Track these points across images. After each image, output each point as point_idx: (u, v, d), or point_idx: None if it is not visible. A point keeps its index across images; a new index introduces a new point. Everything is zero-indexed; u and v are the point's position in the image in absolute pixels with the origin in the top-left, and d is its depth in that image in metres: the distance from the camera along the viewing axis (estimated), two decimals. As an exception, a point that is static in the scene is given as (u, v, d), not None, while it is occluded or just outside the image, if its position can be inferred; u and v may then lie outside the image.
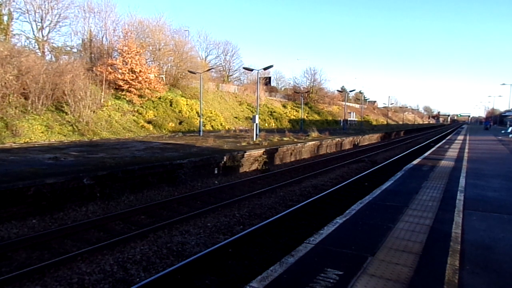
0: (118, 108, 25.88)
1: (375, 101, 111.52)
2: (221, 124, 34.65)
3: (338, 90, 64.20)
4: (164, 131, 26.56)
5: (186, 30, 44.03)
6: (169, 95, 32.06)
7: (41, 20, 26.75)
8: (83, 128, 20.69)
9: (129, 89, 27.41)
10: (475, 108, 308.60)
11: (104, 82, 25.53)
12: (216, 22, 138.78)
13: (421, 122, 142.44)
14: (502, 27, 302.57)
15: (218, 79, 50.73)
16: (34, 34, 26.72)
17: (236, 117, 40.22)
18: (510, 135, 34.13)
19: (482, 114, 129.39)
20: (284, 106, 52.82)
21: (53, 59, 26.89)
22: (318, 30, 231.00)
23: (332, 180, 13.35)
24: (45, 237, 6.75)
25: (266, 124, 42.18)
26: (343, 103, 61.04)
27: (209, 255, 5.85)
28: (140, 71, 27.90)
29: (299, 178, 13.09)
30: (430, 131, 70.85)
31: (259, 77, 28.01)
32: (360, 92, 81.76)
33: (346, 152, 23.73)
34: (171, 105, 30.87)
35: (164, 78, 34.24)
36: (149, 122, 26.70)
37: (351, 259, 3.94)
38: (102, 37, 31.92)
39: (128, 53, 27.65)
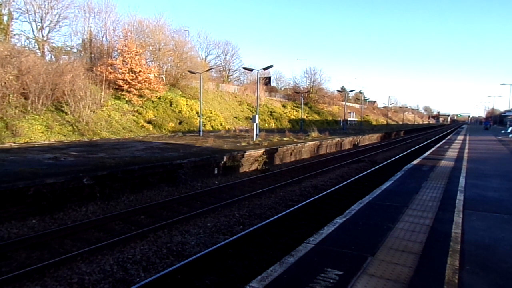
0: (118, 108, 25.89)
1: (375, 101, 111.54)
2: (221, 124, 34.65)
3: (338, 90, 64.22)
4: (164, 131, 26.56)
5: (186, 30, 44.09)
6: (169, 95, 32.06)
7: (41, 20, 26.77)
8: (83, 128, 20.69)
9: (129, 89, 27.42)
10: (475, 108, 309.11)
11: (104, 82, 25.53)
12: (216, 22, 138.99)
13: (421, 122, 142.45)
14: (502, 27, 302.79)
15: (218, 79, 50.75)
16: (34, 34, 26.76)
17: (236, 117, 40.22)
18: (510, 135, 34.13)
19: (482, 114, 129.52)
20: (284, 106, 52.83)
21: (53, 59, 26.89)
22: (318, 30, 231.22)
23: (332, 180, 13.34)
24: (45, 237, 6.75)
25: (266, 124, 42.18)
26: (343, 103, 61.06)
27: (209, 255, 5.85)
28: (140, 71, 27.91)
29: (299, 178, 13.09)
30: (430, 131, 70.85)
31: (259, 77, 28.01)
32: (360, 92, 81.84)
33: (346, 152, 23.73)
34: (171, 105, 30.86)
35: (164, 78, 34.24)
36: (149, 122, 26.70)
37: (351, 259, 3.94)
38: (102, 37, 31.98)
39: (128, 53, 27.66)
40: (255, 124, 20.64)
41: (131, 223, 7.94)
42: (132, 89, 27.55)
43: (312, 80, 64.18)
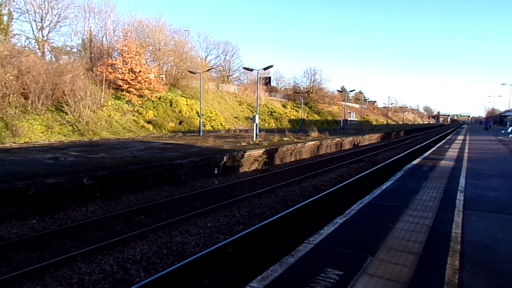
0: (118, 108, 25.89)
1: (375, 101, 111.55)
2: (221, 124, 34.65)
3: (338, 90, 64.24)
4: (164, 131, 26.56)
5: (186, 30, 44.10)
6: (169, 95, 32.06)
7: (41, 20, 26.76)
8: (83, 128, 20.69)
9: (129, 89, 27.42)
10: (475, 108, 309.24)
11: (104, 82, 25.53)
12: (216, 22, 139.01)
13: (421, 122, 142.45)
14: (502, 27, 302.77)
15: (218, 79, 50.75)
16: (34, 34, 26.75)
17: (236, 117, 40.22)
18: (510, 135, 34.13)
19: (482, 114, 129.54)
20: (284, 106, 52.83)
21: (53, 59, 26.89)
22: (318, 30, 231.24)
23: (332, 180, 13.34)
24: (45, 237, 6.75)
25: (266, 124, 42.18)
26: (343, 103, 61.07)
27: (209, 255, 5.85)
28: (140, 71, 27.90)
29: (299, 178, 13.09)
30: (430, 131, 70.85)
31: (259, 77, 28.01)
32: (360, 92, 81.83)
33: (346, 152, 23.73)
34: (171, 105, 30.87)
35: (164, 78, 34.24)
36: (149, 122, 26.70)
37: (351, 259, 3.94)
38: (102, 37, 31.97)
39: (128, 53, 27.65)
40: (255, 124, 20.64)
41: (131, 223, 7.94)
42: (132, 89, 27.54)
43: (312, 80, 64.24)
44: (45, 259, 5.88)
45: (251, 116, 28.81)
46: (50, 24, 27.38)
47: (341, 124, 49.39)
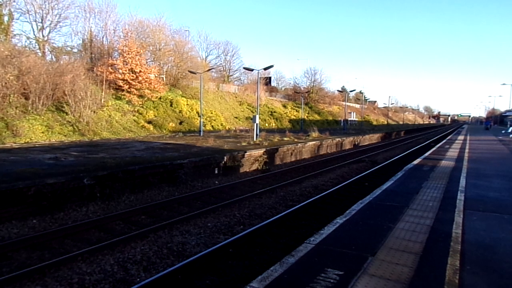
0: (119, 108, 25.90)
1: (375, 101, 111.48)
2: (221, 124, 34.66)
3: (338, 90, 64.19)
4: (164, 131, 26.57)
5: (186, 30, 44.17)
6: (169, 95, 32.07)
7: (42, 20, 26.80)
8: (84, 128, 20.70)
9: (129, 89, 27.43)
10: (475, 108, 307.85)
11: (104, 82, 25.55)
12: (216, 22, 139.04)
13: (421, 122, 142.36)
14: (502, 27, 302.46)
15: (218, 79, 50.74)
16: (34, 34, 26.80)
17: (236, 117, 40.23)
18: (511, 135, 34.10)
19: (482, 114, 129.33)
20: (284, 106, 52.82)
21: (54, 59, 26.92)
22: (318, 30, 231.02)
23: (333, 180, 13.34)
24: (46, 237, 6.75)
25: (267, 124, 42.18)
26: (343, 103, 61.07)
27: (209, 255, 5.85)
28: (140, 71, 27.92)
29: (299, 178, 13.09)
30: (430, 131, 70.78)
31: (259, 77, 28.01)
32: (360, 92, 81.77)
33: (347, 152, 23.72)
34: (171, 105, 30.88)
35: (164, 78, 34.25)
36: (149, 122, 26.71)
37: (351, 259, 3.94)
38: (103, 37, 31.99)
39: (128, 53, 27.67)
40: (255, 124, 20.65)
41: (132, 223, 7.95)
42: (132, 89, 27.56)
43: (312, 80, 64.18)
44: (46, 259, 5.88)
45: (252, 116, 28.79)
46: (50, 24, 27.46)
47: (342, 124, 49.34)
